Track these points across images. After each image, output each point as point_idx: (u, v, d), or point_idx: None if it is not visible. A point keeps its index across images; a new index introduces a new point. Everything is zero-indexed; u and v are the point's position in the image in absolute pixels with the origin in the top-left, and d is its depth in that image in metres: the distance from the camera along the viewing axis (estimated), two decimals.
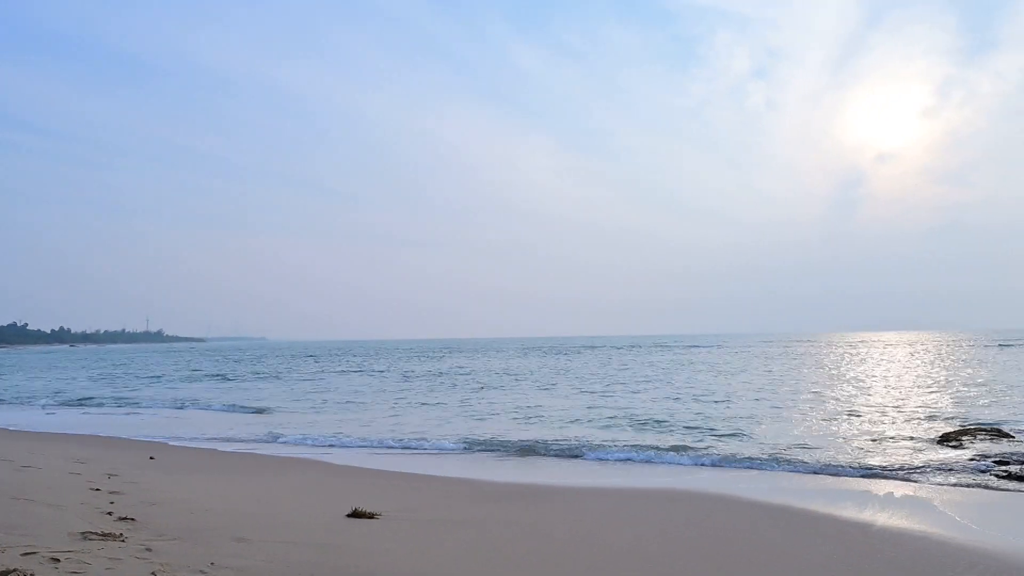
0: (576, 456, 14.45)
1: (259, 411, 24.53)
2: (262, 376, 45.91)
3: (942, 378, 33.96)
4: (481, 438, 16.82)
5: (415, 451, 15.51)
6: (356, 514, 8.13)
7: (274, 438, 17.34)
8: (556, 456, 14.59)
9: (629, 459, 14.00)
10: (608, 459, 14.05)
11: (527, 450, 15.18)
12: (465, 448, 15.61)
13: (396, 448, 15.78)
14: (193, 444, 16.48)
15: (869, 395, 26.30)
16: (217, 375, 47.73)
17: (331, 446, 15.98)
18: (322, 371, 51.51)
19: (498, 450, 15.27)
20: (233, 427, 20.24)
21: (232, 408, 26.19)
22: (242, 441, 17.05)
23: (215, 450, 15.58)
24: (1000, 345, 79.27)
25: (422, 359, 70.49)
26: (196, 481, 11.08)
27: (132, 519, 7.21)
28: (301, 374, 48.27)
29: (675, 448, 14.88)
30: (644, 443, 15.63)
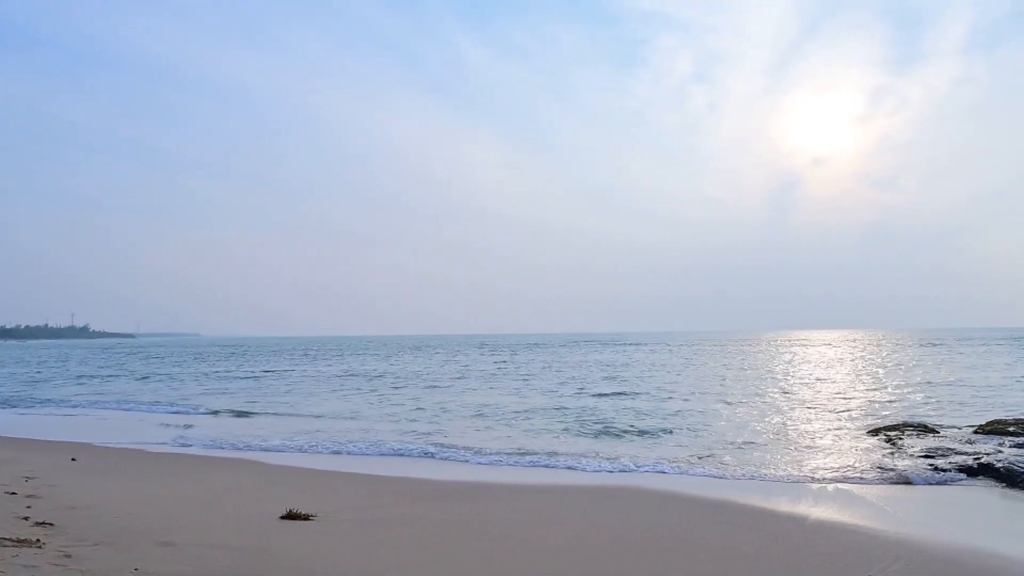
0: (522, 454, 14.47)
1: (187, 412, 23.74)
2: (192, 375, 44.43)
3: (872, 376, 35.27)
4: (419, 438, 16.70)
5: (351, 454, 15.16)
6: (290, 515, 7.91)
7: (197, 440, 16.76)
8: (498, 453, 14.55)
9: (571, 464, 14.11)
10: (555, 466, 14.11)
11: (470, 448, 15.14)
12: (403, 448, 15.43)
13: (328, 449, 15.41)
14: (119, 445, 15.79)
15: (804, 392, 27.07)
16: (147, 374, 45.98)
17: (264, 450, 15.50)
18: (259, 371, 50.23)
19: (438, 450, 15.16)
20: (161, 426, 19.56)
21: (157, 407, 25.26)
22: (167, 443, 16.42)
23: (143, 451, 14.96)
24: (931, 344, 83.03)
25: (356, 356, 69.53)
26: (121, 483, 10.61)
27: (50, 524, 6.87)
28: (232, 372, 46.97)
29: (613, 446, 15.06)
30: (583, 441, 15.74)
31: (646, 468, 12.70)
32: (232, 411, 23.13)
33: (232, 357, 73.16)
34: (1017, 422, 16.32)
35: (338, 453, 14.75)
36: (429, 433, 17.35)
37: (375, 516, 8.48)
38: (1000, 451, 13.07)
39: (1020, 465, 11.56)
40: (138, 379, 41.34)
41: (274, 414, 22.31)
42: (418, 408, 23.15)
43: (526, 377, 37.53)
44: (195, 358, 71.83)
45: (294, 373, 44.54)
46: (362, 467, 12.94)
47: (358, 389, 31.90)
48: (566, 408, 22.17)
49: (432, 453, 14.49)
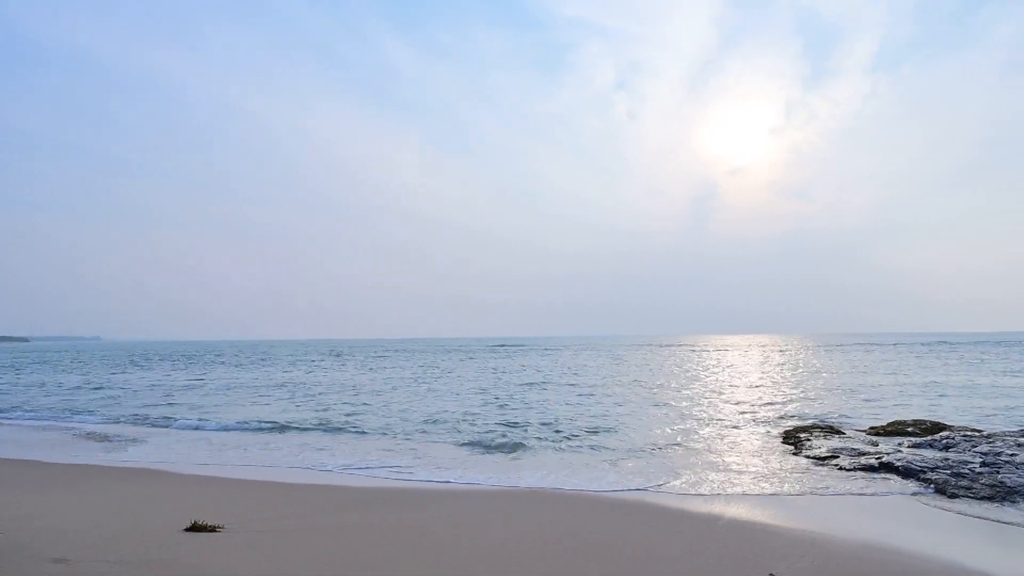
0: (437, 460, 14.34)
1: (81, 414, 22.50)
2: (93, 385, 42.03)
3: (783, 380, 36.60)
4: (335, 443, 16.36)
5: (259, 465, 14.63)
6: (195, 527, 7.54)
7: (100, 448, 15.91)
8: (415, 459, 14.36)
9: (491, 468, 14.08)
10: (477, 479, 14.04)
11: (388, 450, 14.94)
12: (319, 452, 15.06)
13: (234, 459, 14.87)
14: (11, 455, 14.78)
15: (716, 395, 27.82)
16: (42, 381, 43.10)
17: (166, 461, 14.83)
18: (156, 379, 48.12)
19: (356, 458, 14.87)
20: (57, 435, 18.47)
21: (45, 415, 23.81)
22: (63, 453, 15.50)
23: (39, 461, 14.03)
24: (839, 348, 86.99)
25: (266, 363, 67.51)
26: (11, 496, 9.91)
27: None
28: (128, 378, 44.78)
29: (533, 448, 15.10)
30: (498, 447, 15.72)
31: (568, 472, 12.78)
32: (136, 416, 22.06)
33: (132, 365, 69.76)
34: (915, 423, 17.25)
35: (249, 462, 14.23)
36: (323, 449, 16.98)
37: (290, 526, 8.16)
38: (900, 451, 13.77)
39: (918, 463, 12.20)
40: (30, 385, 38.75)
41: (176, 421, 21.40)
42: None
43: (443, 384, 37.23)
44: (97, 362, 68.22)
45: (199, 380, 42.81)
46: (278, 475, 12.48)
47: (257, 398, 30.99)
48: (478, 413, 22.10)
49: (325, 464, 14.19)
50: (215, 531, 7.53)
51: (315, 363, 62.23)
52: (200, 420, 20.91)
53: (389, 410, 23.23)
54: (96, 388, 35.26)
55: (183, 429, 19.54)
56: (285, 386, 34.81)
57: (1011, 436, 14.47)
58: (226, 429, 19.14)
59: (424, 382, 37.03)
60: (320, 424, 19.60)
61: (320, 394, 29.98)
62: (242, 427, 19.34)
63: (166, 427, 20.01)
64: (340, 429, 18.61)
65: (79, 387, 36.06)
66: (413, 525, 8.34)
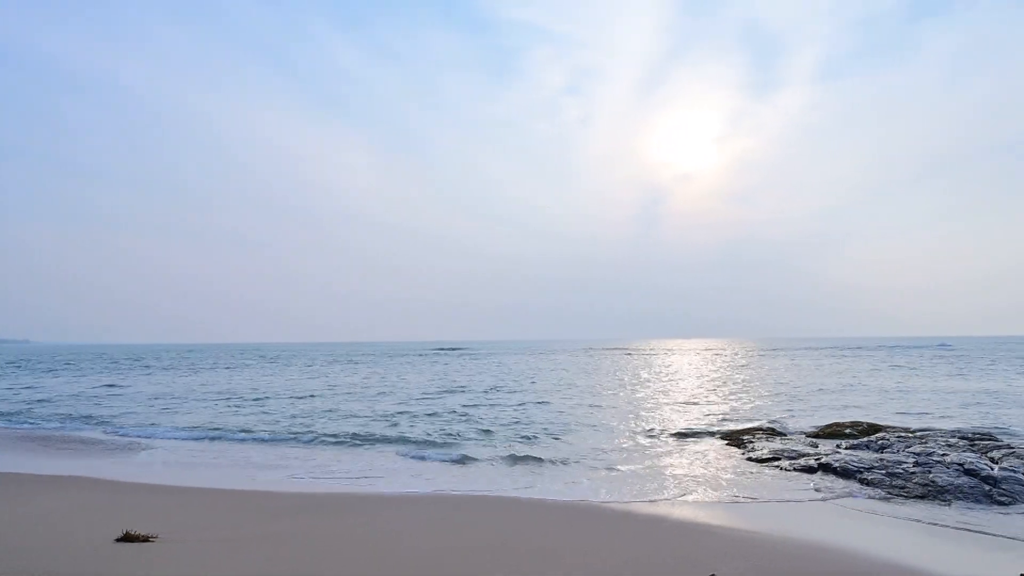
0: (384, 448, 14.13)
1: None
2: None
3: (727, 383, 37.30)
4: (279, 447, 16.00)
5: (195, 472, 14.20)
6: (128, 537, 7.23)
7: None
8: (356, 465, 14.13)
9: (429, 459, 13.94)
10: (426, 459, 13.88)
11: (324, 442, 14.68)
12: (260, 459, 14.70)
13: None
14: None
15: (661, 398, 28.17)
16: None
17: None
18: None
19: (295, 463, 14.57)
20: None
21: None
22: None
23: None
24: (782, 352, 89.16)
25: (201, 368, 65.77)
26: None
27: None
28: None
29: (477, 454, 15.02)
30: (436, 451, 15.60)
31: (512, 477, 12.74)
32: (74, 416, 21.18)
33: (64, 369, 67.11)
34: (852, 424, 17.75)
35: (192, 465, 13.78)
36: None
37: (226, 535, 7.90)
38: (838, 452, 14.13)
39: (855, 464, 12.54)
40: None
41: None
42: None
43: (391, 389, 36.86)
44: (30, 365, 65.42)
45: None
46: (214, 482, 12.08)
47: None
48: (419, 418, 21.93)
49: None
50: (148, 541, 7.24)
51: (248, 367, 60.85)
52: (135, 426, 20.21)
53: (330, 415, 22.82)
54: (25, 389, 33.80)
55: (117, 435, 18.83)
56: (221, 392, 33.91)
57: (942, 437, 15.01)
58: (160, 437, 18.51)
59: (365, 387, 36.52)
60: (256, 430, 19.13)
61: (255, 400, 29.26)
62: (176, 434, 18.73)
63: (99, 434, 19.25)
64: (277, 435, 18.17)
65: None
66: (353, 532, 8.15)
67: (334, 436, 17.68)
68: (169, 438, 18.22)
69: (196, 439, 17.92)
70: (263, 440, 17.55)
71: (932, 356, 69.34)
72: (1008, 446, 13.62)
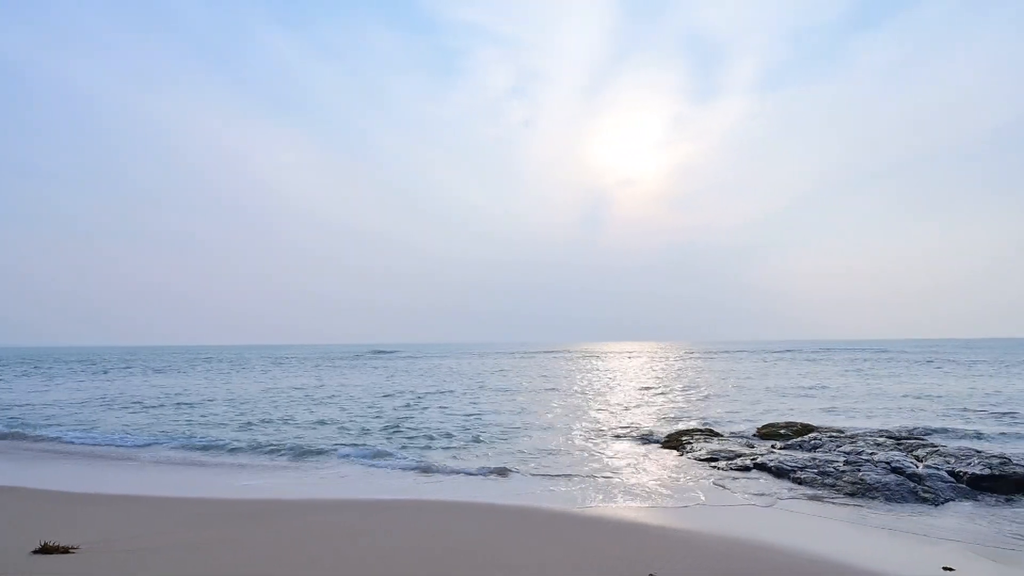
0: (321, 454, 13.82)
1: None
2: None
3: (666, 385, 37.91)
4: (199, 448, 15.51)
5: (121, 478, 13.64)
6: (46, 549, 6.86)
7: None
8: (292, 469, 13.80)
9: (372, 464, 13.72)
10: (353, 458, 13.63)
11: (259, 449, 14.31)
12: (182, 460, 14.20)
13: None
14: None
15: (600, 400, 28.45)
16: None
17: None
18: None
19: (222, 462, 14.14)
20: None
21: None
22: None
23: None
24: (721, 355, 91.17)
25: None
26: None
27: None
28: None
29: (416, 458, 14.88)
30: (381, 452, 15.41)
31: (452, 481, 12.65)
32: None
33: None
34: (787, 425, 18.23)
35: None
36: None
37: (152, 544, 7.57)
38: (772, 452, 14.49)
39: (788, 464, 12.87)
40: None
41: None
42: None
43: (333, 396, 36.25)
44: None
45: None
46: (141, 488, 11.58)
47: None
48: (358, 422, 21.65)
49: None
50: (69, 552, 6.88)
51: (185, 371, 59.05)
52: (60, 431, 19.32)
53: (270, 421, 22.29)
54: None
55: (39, 440, 17.96)
56: (155, 396, 32.78)
57: (871, 436, 15.55)
58: (86, 443, 17.73)
59: (304, 390, 35.82)
60: (190, 435, 18.53)
61: (190, 404, 28.39)
62: (105, 438, 17.98)
63: (17, 438, 18.34)
64: (212, 441, 17.63)
65: None
66: (287, 538, 7.93)
67: (274, 442, 17.24)
68: (95, 443, 17.47)
69: (127, 445, 17.22)
70: (197, 446, 16.96)
71: (867, 359, 71.91)
72: (932, 445, 14.19)
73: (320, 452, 15.64)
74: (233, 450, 16.23)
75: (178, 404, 28.33)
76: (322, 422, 21.50)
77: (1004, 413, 22.04)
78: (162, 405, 27.91)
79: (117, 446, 17.13)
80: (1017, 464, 11.95)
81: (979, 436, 17.11)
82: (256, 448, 16.34)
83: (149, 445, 17.16)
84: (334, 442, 17.10)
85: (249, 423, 21.45)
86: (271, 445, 16.64)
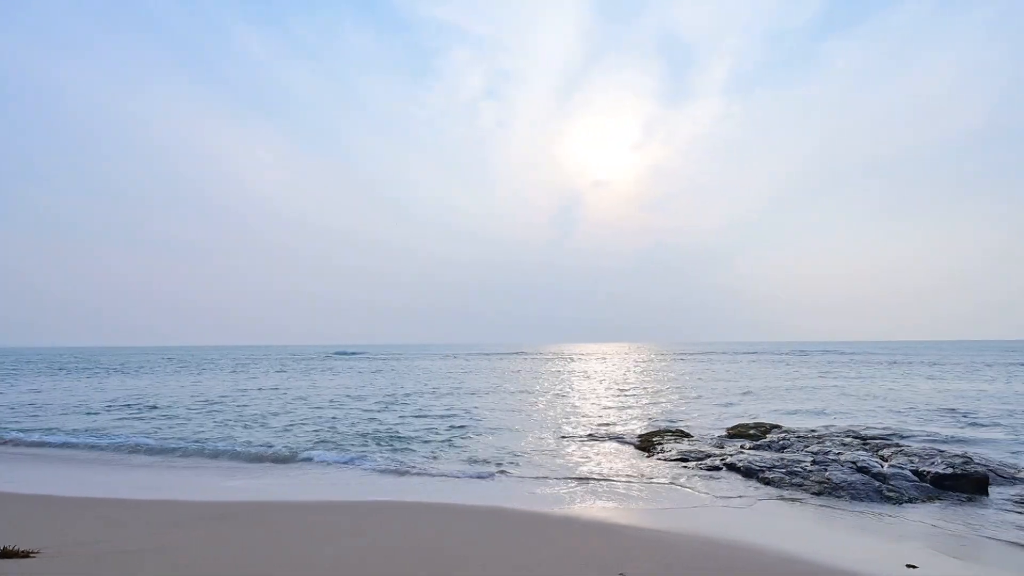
0: (291, 461, 13.68)
1: None
2: None
3: (638, 386, 38.14)
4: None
5: (85, 479, 13.37)
6: (5, 553, 6.70)
7: None
8: (260, 466, 13.63)
9: (348, 462, 13.61)
10: (326, 461, 13.51)
11: (235, 455, 14.14)
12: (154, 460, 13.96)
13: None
14: None
15: (573, 401, 28.55)
16: None
17: None
18: None
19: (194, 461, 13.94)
20: None
21: None
22: None
23: None
24: (692, 357, 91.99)
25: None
26: None
27: None
28: None
29: (393, 456, 14.80)
30: (351, 453, 15.29)
31: (423, 482, 12.60)
32: None
33: None
34: (757, 426, 18.45)
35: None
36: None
37: (117, 547, 7.42)
38: (742, 452, 14.64)
39: (757, 464, 13.02)
40: None
41: None
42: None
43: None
44: None
45: None
46: (104, 490, 11.35)
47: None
48: (326, 423, 21.48)
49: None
50: (29, 557, 6.72)
51: (151, 371, 58.09)
52: (20, 432, 18.89)
53: (240, 422, 22.01)
54: None
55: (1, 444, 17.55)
56: (123, 397, 32.22)
57: (838, 436, 15.79)
58: (51, 444, 17.36)
59: (275, 392, 35.46)
60: (158, 437, 18.23)
61: (156, 407, 27.94)
62: (71, 439, 17.61)
63: None
64: (181, 442, 17.36)
65: None
66: (258, 541, 7.83)
67: (245, 444, 17.03)
68: (60, 444, 17.12)
69: (93, 447, 16.89)
70: (165, 449, 16.69)
71: (838, 361, 73.02)
72: (897, 444, 14.45)
73: (292, 454, 15.47)
74: (204, 452, 15.99)
75: (149, 406, 27.84)
76: (294, 424, 21.28)
77: (967, 413, 22.53)
78: (128, 405, 27.43)
79: (83, 447, 16.79)
80: (978, 463, 12.22)
81: (943, 436, 17.46)
82: (227, 449, 16.12)
83: (114, 446, 16.84)
84: (305, 443, 16.93)
85: (221, 423, 21.18)
86: (241, 446, 16.43)
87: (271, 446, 16.49)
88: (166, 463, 14.77)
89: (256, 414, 24.15)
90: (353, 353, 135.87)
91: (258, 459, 15.06)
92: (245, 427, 20.59)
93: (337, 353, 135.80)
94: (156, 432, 19.42)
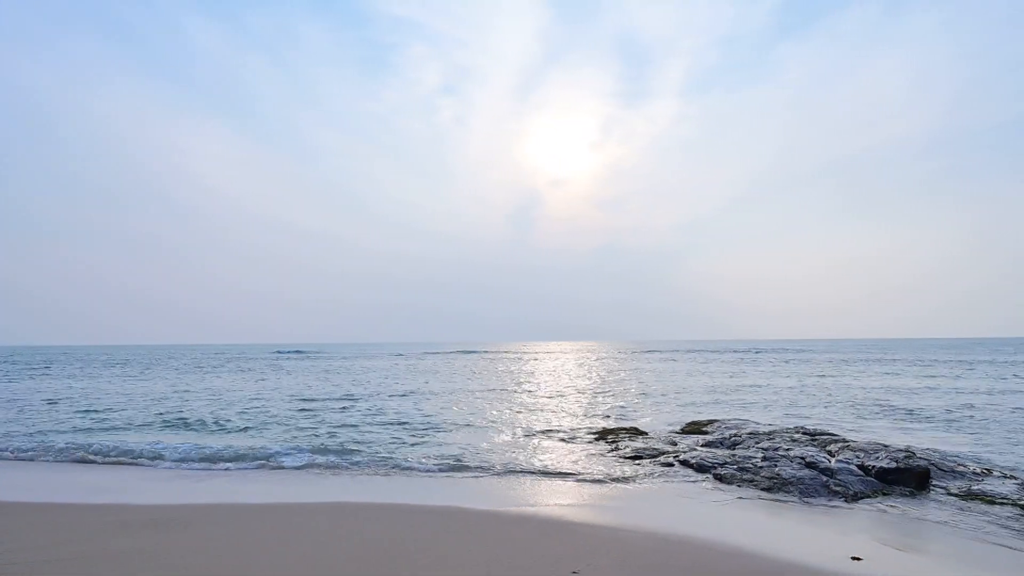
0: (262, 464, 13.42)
1: None
2: None
3: (594, 384, 38.47)
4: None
5: (20, 484, 12.93)
6: None
7: None
8: (208, 468, 13.35)
9: (308, 465, 13.42)
10: (290, 465, 13.30)
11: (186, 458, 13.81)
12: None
13: None
14: None
15: (530, 399, 28.66)
16: None
17: None
18: None
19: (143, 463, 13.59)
20: None
21: None
22: None
23: None
24: (648, 354, 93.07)
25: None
26: None
27: None
28: None
29: (348, 457, 14.64)
30: (319, 453, 15.10)
31: (377, 482, 12.50)
32: None
33: None
34: (709, 422, 18.77)
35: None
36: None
37: (62, 555, 7.16)
38: (695, 449, 14.87)
39: (710, 460, 13.24)
40: None
41: None
42: None
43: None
44: None
45: None
46: (50, 494, 10.99)
47: None
48: (279, 423, 21.19)
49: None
50: None
51: (98, 373, 56.49)
52: None
53: (189, 422, 21.53)
54: None
55: None
56: (69, 396, 31.25)
57: (787, 433, 16.14)
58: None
59: (229, 392, 34.80)
60: (110, 439, 17.72)
61: (97, 409, 27.17)
62: (10, 443, 16.99)
63: None
64: (121, 442, 16.90)
65: None
66: (209, 544, 7.67)
67: (191, 445, 16.64)
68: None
69: (27, 449, 16.32)
70: (114, 451, 16.21)
71: (792, 359, 74.64)
72: (844, 440, 14.84)
73: (239, 456, 15.19)
74: (149, 454, 15.58)
75: (88, 407, 27.04)
76: (243, 425, 20.89)
77: (912, 410, 23.28)
78: (66, 403, 26.59)
79: (19, 449, 16.22)
80: (920, 458, 12.63)
81: (888, 431, 18.00)
82: (175, 451, 15.73)
83: (56, 448, 16.30)
84: (255, 445, 16.63)
85: (169, 424, 20.68)
86: (189, 448, 16.06)
87: (220, 448, 16.15)
88: (107, 465, 14.36)
89: (204, 415, 23.63)
90: (303, 352, 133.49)
91: (208, 460, 14.73)
92: (192, 428, 20.15)
93: (286, 352, 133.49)
94: (94, 433, 18.87)
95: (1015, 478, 12.14)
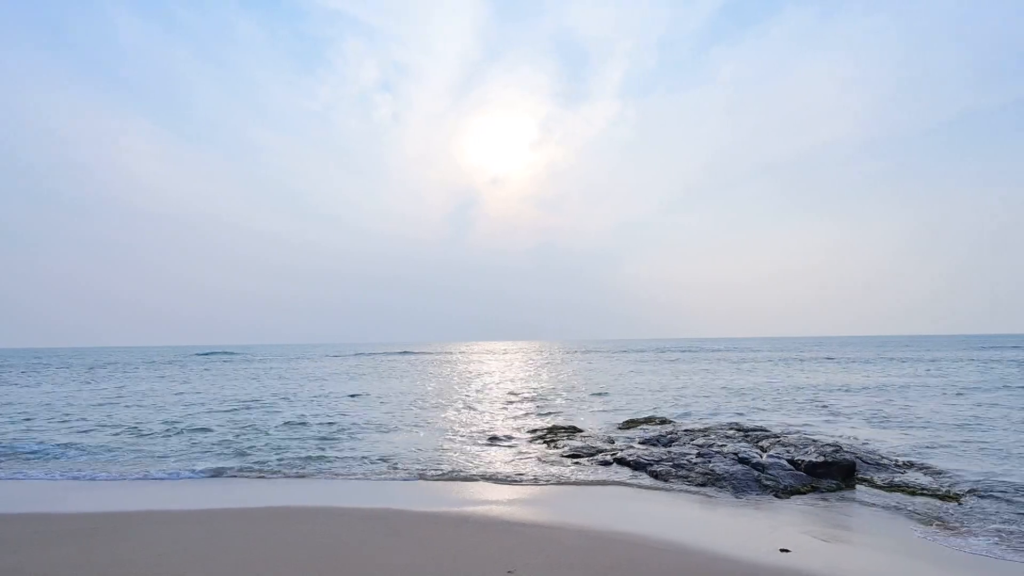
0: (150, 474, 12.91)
1: None
2: None
3: (531, 383, 38.59)
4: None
5: None
6: None
7: None
8: (123, 475, 12.81)
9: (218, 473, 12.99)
10: (191, 476, 12.84)
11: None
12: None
13: None
14: None
15: (468, 398, 28.55)
16: None
17: None
18: None
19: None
20: None
21: None
22: None
23: None
24: (584, 354, 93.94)
25: None
26: None
27: None
28: None
29: (279, 461, 14.26)
30: (242, 457, 14.66)
31: (308, 486, 12.23)
32: None
33: None
34: (647, 420, 19.02)
35: None
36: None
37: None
38: (632, 446, 15.02)
39: (646, 458, 13.38)
40: None
41: None
42: None
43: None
44: None
45: None
46: None
47: None
48: (200, 427, 20.57)
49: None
50: None
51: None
52: None
53: (108, 427, 20.65)
54: None
55: None
56: None
57: (722, 429, 16.47)
58: None
59: (150, 396, 33.59)
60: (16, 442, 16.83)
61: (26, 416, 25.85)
62: None
63: None
64: (25, 447, 16.09)
65: None
66: (137, 554, 7.32)
67: (111, 451, 15.96)
68: None
69: None
70: (16, 452, 15.40)
71: (722, 357, 76.47)
72: (775, 435, 15.22)
73: (160, 459, 14.64)
74: (61, 459, 14.86)
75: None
76: (163, 431, 20.15)
77: (842, 405, 24.09)
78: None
79: None
80: (847, 452, 13.03)
81: (816, 427, 18.55)
82: (92, 457, 15.06)
83: None
84: (178, 451, 16.06)
85: (82, 431, 19.78)
86: (107, 454, 15.39)
87: (137, 453, 15.53)
88: (18, 474, 13.63)
89: (123, 420, 22.70)
90: (231, 353, 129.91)
91: (127, 466, 14.13)
92: (112, 434, 19.32)
93: (208, 353, 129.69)
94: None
95: (934, 469, 12.65)
